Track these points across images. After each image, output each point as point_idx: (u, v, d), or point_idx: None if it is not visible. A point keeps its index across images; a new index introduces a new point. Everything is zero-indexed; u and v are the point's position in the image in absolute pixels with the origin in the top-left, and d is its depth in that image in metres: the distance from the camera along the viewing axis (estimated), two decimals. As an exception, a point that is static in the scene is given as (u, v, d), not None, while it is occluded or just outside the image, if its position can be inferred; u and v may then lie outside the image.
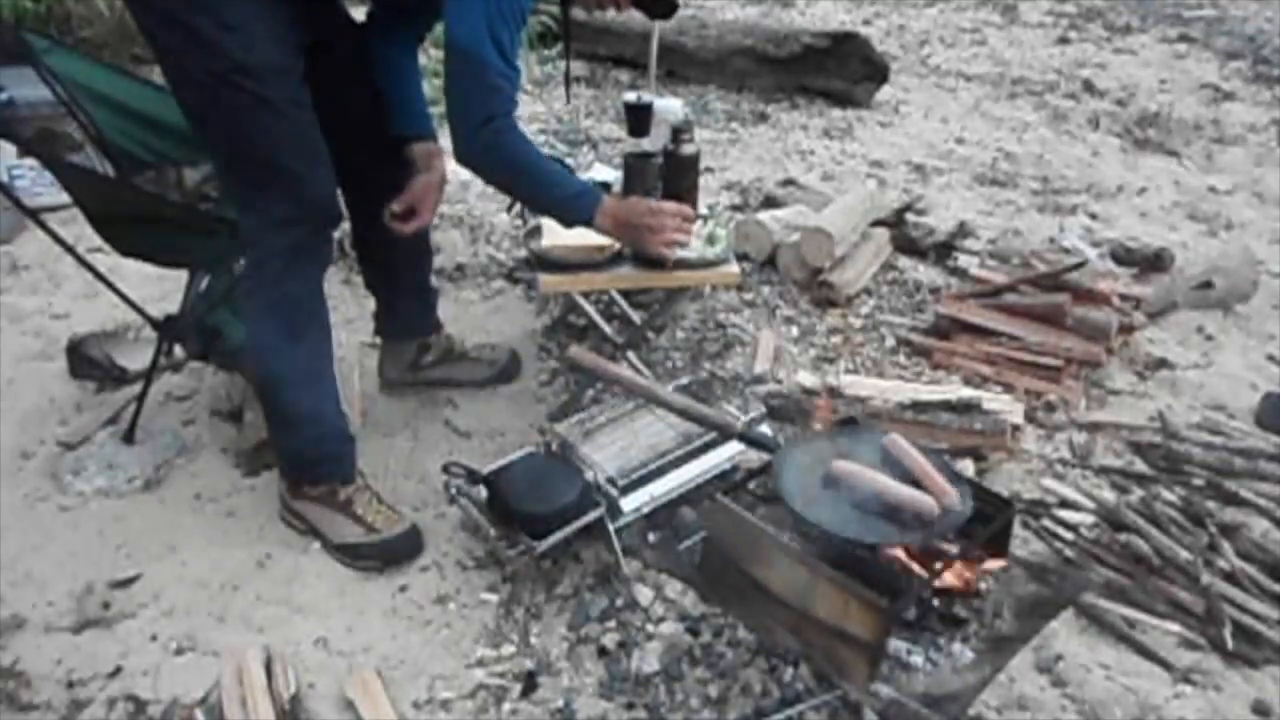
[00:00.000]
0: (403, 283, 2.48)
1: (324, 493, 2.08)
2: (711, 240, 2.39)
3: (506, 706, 1.76)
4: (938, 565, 1.58)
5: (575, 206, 2.08)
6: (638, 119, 2.61)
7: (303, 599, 1.97)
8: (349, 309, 2.90)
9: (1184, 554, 2.06)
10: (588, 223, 2.09)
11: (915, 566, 1.60)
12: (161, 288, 2.72)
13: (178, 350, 2.44)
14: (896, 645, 1.55)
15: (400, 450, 2.40)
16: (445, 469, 2.06)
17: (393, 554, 2.04)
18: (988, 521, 1.64)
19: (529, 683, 1.79)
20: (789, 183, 3.78)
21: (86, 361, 2.53)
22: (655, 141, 2.59)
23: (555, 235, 2.33)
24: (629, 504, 1.97)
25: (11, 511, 2.16)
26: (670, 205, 2.18)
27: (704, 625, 1.90)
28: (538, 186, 2.06)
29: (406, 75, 2.20)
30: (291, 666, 1.79)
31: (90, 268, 2.29)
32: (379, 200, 2.20)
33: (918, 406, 2.42)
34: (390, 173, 2.20)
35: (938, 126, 4.75)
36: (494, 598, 1.98)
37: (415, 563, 2.06)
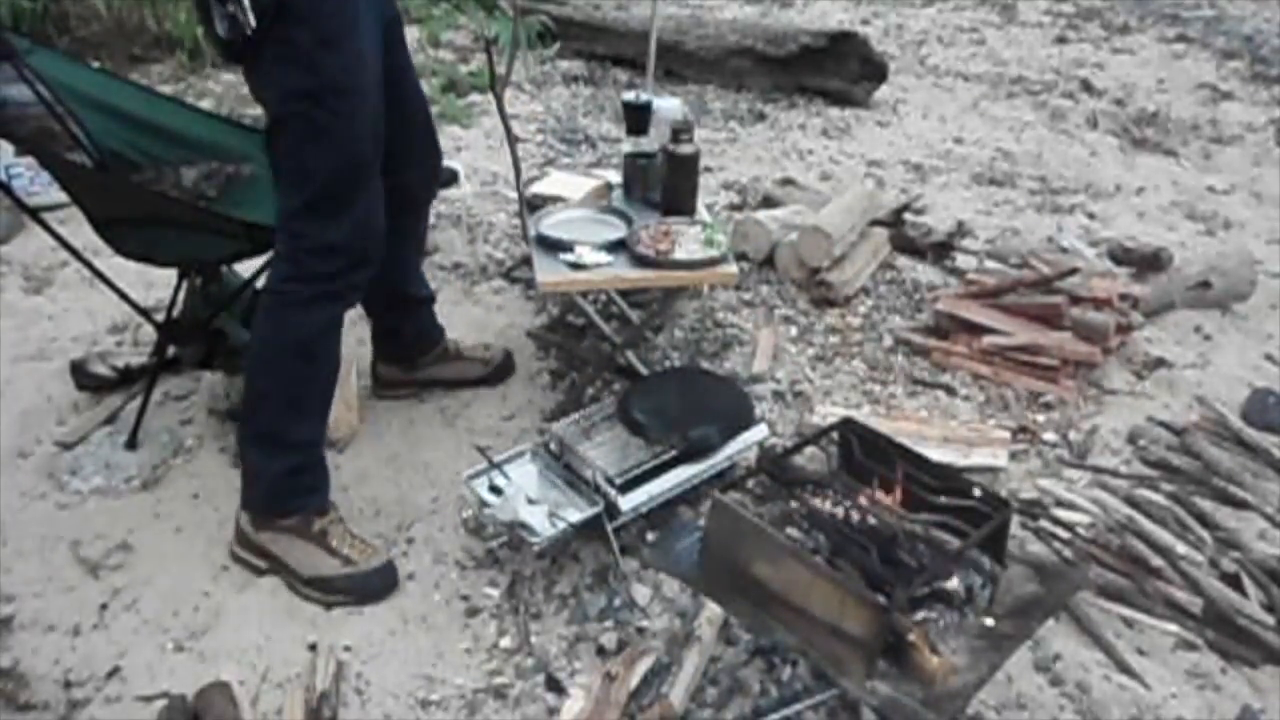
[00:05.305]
0: (411, 300, 2.47)
1: (297, 523, 1.98)
2: (710, 243, 2.39)
3: (506, 705, 1.76)
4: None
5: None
6: (637, 118, 2.61)
7: (300, 598, 1.97)
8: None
9: (1181, 554, 2.06)
10: None
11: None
12: (161, 288, 2.71)
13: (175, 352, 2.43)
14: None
15: (398, 449, 2.40)
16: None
17: (368, 588, 1.95)
18: (985, 521, 1.64)
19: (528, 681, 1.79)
20: (787, 182, 3.78)
21: (90, 375, 2.52)
22: (654, 141, 2.60)
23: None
24: (627, 503, 1.97)
25: (9, 511, 2.15)
26: None
27: (702, 624, 1.89)
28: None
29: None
30: (290, 665, 1.79)
31: (91, 267, 2.29)
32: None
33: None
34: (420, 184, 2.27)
35: (936, 126, 4.74)
36: (493, 594, 1.98)
37: (413, 562, 2.06)
